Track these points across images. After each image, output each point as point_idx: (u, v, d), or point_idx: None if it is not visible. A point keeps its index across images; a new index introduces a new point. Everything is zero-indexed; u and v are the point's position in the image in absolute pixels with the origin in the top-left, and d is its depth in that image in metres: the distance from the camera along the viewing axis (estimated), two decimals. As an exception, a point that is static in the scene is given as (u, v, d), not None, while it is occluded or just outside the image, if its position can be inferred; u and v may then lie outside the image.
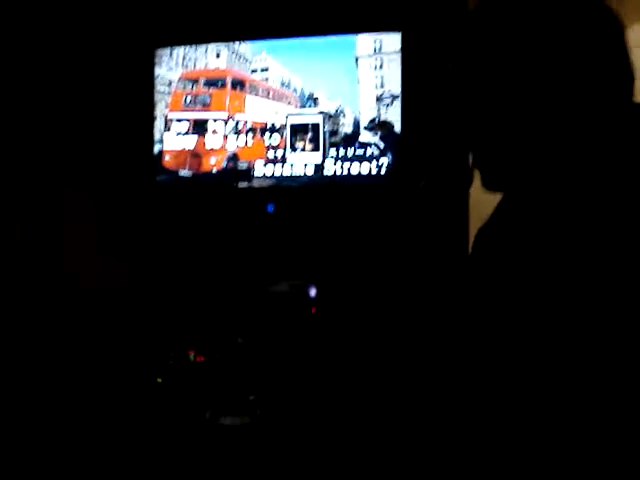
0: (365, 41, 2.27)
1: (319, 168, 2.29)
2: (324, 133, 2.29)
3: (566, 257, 0.75)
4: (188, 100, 2.40)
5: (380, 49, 2.25)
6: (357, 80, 2.27)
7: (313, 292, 2.09)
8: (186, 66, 2.40)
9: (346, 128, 2.28)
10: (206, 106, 2.38)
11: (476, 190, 1.98)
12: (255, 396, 1.89)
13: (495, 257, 0.87)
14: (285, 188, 2.30)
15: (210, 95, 2.39)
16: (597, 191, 0.77)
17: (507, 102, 0.87)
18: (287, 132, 2.31)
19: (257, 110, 2.35)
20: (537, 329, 0.76)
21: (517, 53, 0.85)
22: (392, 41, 2.24)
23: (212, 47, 2.38)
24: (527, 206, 0.87)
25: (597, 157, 0.81)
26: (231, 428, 1.84)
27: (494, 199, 0.96)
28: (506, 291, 0.81)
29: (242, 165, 2.34)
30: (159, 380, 2.08)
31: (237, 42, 2.36)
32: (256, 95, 2.35)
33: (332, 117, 2.29)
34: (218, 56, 2.38)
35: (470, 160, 0.97)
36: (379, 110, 2.25)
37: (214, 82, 2.38)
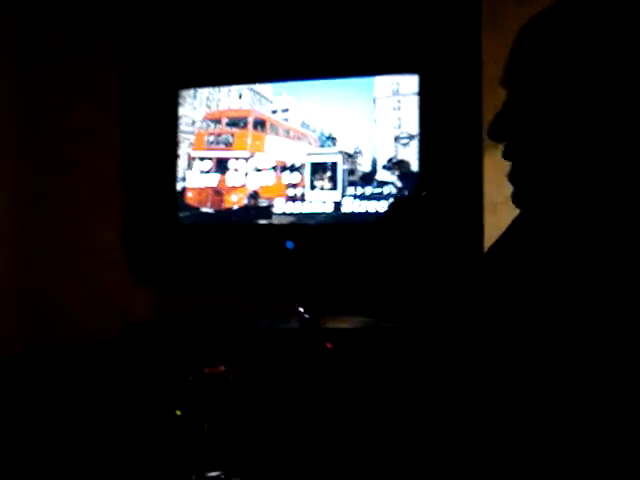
0: (383, 83, 2.32)
1: (337, 206, 2.33)
2: (342, 172, 2.33)
3: (579, 286, 0.76)
4: (211, 139, 2.47)
5: (398, 91, 2.31)
6: (375, 120, 2.32)
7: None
8: (209, 106, 2.48)
9: (364, 167, 2.32)
10: (228, 145, 2.45)
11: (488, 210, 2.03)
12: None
13: (507, 277, 0.88)
14: (304, 226, 2.35)
15: (232, 135, 2.45)
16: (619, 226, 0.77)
17: (557, 127, 0.81)
18: (306, 171, 2.37)
19: (277, 149, 2.41)
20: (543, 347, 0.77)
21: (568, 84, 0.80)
22: (410, 83, 2.29)
23: (235, 88, 2.45)
24: (546, 230, 0.88)
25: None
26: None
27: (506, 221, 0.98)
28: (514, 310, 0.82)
29: (262, 202, 2.40)
30: (178, 413, 2.10)
31: (259, 83, 2.43)
32: (276, 135, 2.41)
33: (350, 156, 2.34)
34: (240, 97, 2.45)
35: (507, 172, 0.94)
36: (396, 149, 2.29)
37: (236, 122, 2.45)
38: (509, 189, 1.51)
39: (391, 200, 2.26)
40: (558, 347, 0.77)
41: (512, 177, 0.93)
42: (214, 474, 1.72)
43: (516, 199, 0.93)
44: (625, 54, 0.77)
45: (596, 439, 0.72)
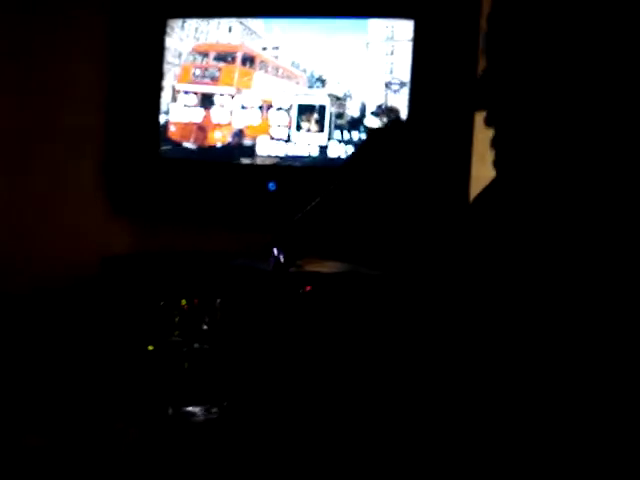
0: (377, 27, 2.27)
1: (323, 149, 2.30)
2: (330, 115, 2.30)
3: (559, 250, 0.76)
4: (197, 73, 2.41)
5: (392, 36, 2.26)
6: (367, 65, 2.28)
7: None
8: (197, 39, 2.41)
9: (352, 112, 2.29)
10: (215, 80, 2.39)
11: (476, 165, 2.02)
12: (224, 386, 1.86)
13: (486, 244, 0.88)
14: (287, 167, 2.32)
15: (219, 69, 2.39)
16: (598, 191, 0.77)
17: (541, 90, 0.82)
18: (293, 112, 2.32)
19: (265, 87, 2.36)
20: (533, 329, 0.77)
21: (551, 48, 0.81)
22: (404, 28, 2.24)
23: (225, 21, 2.38)
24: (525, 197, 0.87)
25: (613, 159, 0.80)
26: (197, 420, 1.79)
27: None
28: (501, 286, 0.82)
29: (246, 141, 2.35)
30: (150, 348, 2.10)
31: (250, 17, 2.36)
32: (265, 72, 2.36)
33: (339, 100, 2.30)
34: (230, 31, 2.38)
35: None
36: (387, 96, 2.26)
37: (224, 57, 2.39)
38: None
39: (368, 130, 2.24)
40: (534, 311, 0.78)
41: (494, 143, 0.93)
42: (191, 408, 1.73)
43: (497, 164, 0.93)
44: (601, 22, 0.77)
45: (594, 433, 0.72)
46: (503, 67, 0.85)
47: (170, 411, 1.74)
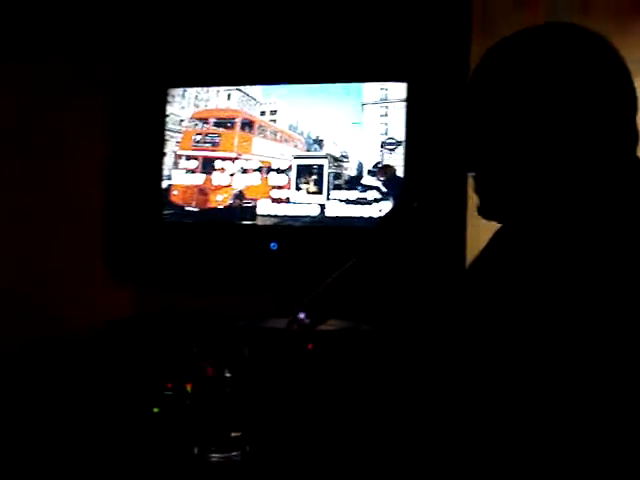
0: (372, 89, 2.35)
1: (322, 209, 2.34)
2: (328, 175, 2.35)
3: (562, 296, 0.79)
4: (198, 139, 2.48)
5: (386, 97, 2.33)
6: (362, 126, 2.34)
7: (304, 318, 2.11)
8: (197, 106, 2.49)
9: (350, 171, 2.34)
10: (215, 145, 2.46)
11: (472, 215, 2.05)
12: (244, 432, 1.88)
13: (493, 288, 0.91)
14: (288, 227, 2.36)
15: (219, 135, 2.46)
16: (594, 234, 0.81)
17: (516, 142, 0.89)
18: (292, 173, 2.38)
19: (264, 151, 2.42)
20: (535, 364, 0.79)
21: (527, 97, 0.87)
22: (398, 90, 2.32)
23: (224, 89, 2.46)
24: (526, 243, 0.91)
25: (595, 203, 0.84)
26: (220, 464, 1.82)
27: (491, 225, 1.00)
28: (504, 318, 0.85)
29: (247, 203, 2.40)
30: (156, 410, 2.10)
31: (248, 85, 2.44)
32: (264, 137, 2.42)
33: (337, 160, 2.35)
34: (229, 98, 2.46)
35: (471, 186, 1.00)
36: (383, 155, 2.32)
37: (224, 122, 2.46)
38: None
39: (384, 209, 2.27)
40: (536, 348, 0.79)
41: (476, 190, 0.98)
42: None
43: (481, 211, 0.97)
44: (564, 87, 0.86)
45: (592, 439, 0.73)
46: (483, 120, 0.93)
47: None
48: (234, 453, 1.73)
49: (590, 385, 0.74)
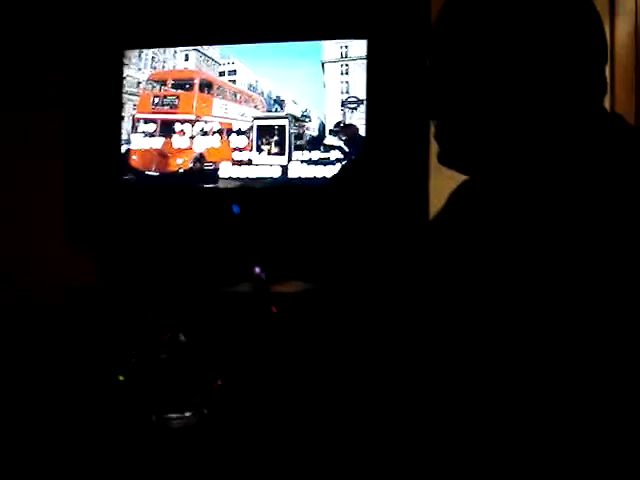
0: (332, 47, 2.31)
1: (285, 170, 2.31)
2: (290, 136, 2.32)
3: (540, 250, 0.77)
4: (156, 101, 2.43)
5: (346, 55, 2.29)
6: (323, 84, 2.31)
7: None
8: (154, 67, 2.43)
9: (311, 131, 2.31)
10: (173, 107, 2.41)
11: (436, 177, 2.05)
12: (202, 395, 1.87)
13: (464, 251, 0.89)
14: (250, 189, 2.33)
15: (178, 97, 2.41)
16: (562, 187, 0.79)
17: (480, 89, 0.86)
18: (253, 134, 2.34)
19: (224, 112, 2.37)
20: (528, 326, 0.76)
21: (491, 41, 0.84)
22: (358, 47, 2.28)
23: (181, 49, 2.41)
24: (491, 197, 0.89)
25: (560, 153, 0.82)
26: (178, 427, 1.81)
27: (454, 179, 0.99)
28: (489, 286, 0.82)
29: (208, 166, 2.36)
30: (121, 378, 2.08)
31: (206, 45, 2.39)
32: (223, 98, 2.38)
33: (298, 120, 2.32)
34: (187, 58, 2.41)
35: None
36: (344, 114, 2.29)
37: (182, 84, 2.41)
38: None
39: (339, 166, 2.25)
40: (501, 310, 0.78)
41: (437, 137, 0.96)
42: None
43: (441, 158, 0.95)
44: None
45: (592, 436, 0.72)
46: (445, 68, 0.90)
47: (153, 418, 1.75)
48: (188, 414, 1.72)
49: (584, 374, 0.72)
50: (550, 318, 0.74)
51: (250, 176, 2.33)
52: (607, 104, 0.92)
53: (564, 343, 0.73)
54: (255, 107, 2.36)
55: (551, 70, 0.82)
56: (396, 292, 1.04)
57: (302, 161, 2.30)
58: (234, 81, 2.38)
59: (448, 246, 0.96)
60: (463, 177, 1.09)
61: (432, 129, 0.97)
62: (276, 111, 2.35)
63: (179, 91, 2.41)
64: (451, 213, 1.04)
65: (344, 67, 2.30)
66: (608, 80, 0.88)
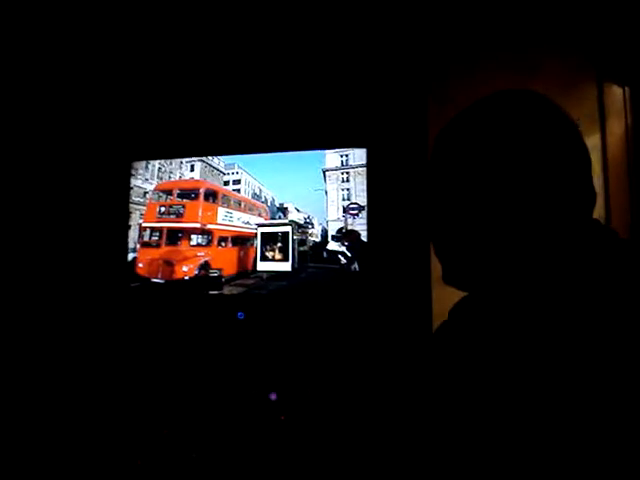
0: (333, 156, 2.38)
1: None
2: (293, 242, 2.36)
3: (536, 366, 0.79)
4: (162, 210, 2.49)
5: (346, 163, 2.36)
6: (325, 192, 2.37)
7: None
8: (161, 178, 2.50)
9: (314, 237, 2.35)
10: (179, 216, 2.46)
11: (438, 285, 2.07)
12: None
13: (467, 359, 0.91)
14: (255, 296, 2.35)
15: (183, 205, 2.47)
16: (561, 301, 0.81)
17: (475, 211, 0.91)
18: (257, 242, 2.39)
19: (229, 220, 2.43)
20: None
21: (484, 165, 0.90)
22: (358, 156, 2.35)
23: (187, 160, 2.49)
24: (493, 314, 0.91)
25: (556, 266, 0.86)
26: None
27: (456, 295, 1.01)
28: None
29: (213, 273, 2.40)
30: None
31: (211, 156, 2.47)
32: (228, 206, 2.44)
33: (301, 227, 2.37)
34: (192, 169, 2.48)
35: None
36: (346, 220, 2.33)
37: (187, 193, 2.48)
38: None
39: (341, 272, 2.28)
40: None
41: (438, 256, 1.00)
42: None
43: (445, 278, 0.99)
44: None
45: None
46: (443, 189, 0.96)
47: None
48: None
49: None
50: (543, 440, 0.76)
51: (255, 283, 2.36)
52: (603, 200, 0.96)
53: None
54: (259, 215, 2.41)
55: (540, 187, 0.87)
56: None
57: (306, 266, 2.34)
58: (238, 190, 2.44)
59: (452, 362, 0.97)
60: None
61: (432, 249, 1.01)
62: (279, 218, 2.40)
63: (185, 200, 2.48)
64: (452, 329, 1.06)
65: (344, 175, 2.36)
66: (601, 181, 0.93)
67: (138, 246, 2.46)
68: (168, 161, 2.50)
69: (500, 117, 0.92)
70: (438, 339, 1.10)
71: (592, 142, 2.12)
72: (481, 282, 0.95)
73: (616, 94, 2.18)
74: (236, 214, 2.45)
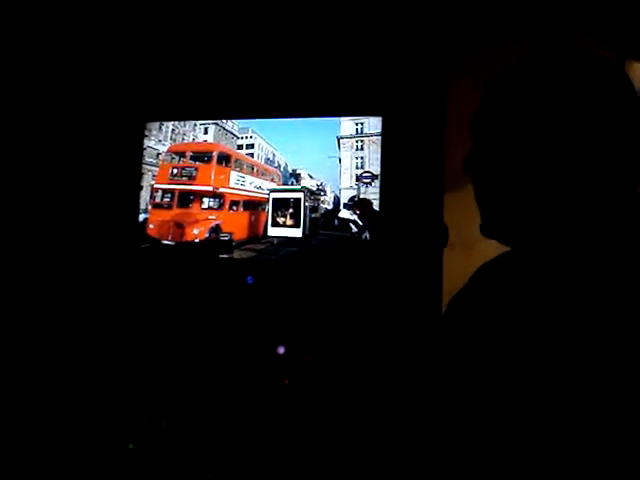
0: (348, 123, 2.36)
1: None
2: (305, 209, 2.35)
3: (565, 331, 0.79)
4: (174, 172, 2.48)
5: (361, 131, 2.35)
6: (338, 159, 2.35)
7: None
8: (174, 139, 2.49)
9: (326, 205, 2.35)
10: (192, 179, 2.46)
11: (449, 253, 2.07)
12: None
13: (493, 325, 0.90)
14: (264, 261, 2.35)
15: (196, 168, 2.46)
16: (599, 271, 0.80)
17: (525, 164, 0.89)
18: (269, 207, 2.38)
19: (241, 185, 2.42)
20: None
21: (539, 118, 0.88)
22: (373, 124, 2.33)
23: (201, 123, 2.47)
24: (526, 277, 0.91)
25: (602, 237, 0.84)
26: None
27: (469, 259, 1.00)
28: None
29: (224, 237, 2.40)
30: (130, 446, 2.08)
31: (225, 120, 2.45)
32: (240, 170, 2.43)
33: (313, 193, 2.36)
34: (206, 131, 2.47)
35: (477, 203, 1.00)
36: (359, 189, 2.32)
37: (201, 156, 2.47)
38: (465, 231, 1.51)
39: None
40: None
41: (480, 206, 0.98)
42: None
43: (483, 229, 0.98)
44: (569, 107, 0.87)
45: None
46: (493, 138, 0.94)
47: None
48: None
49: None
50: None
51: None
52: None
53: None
54: (272, 180, 2.41)
55: (595, 148, 0.86)
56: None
57: (317, 233, 2.33)
58: (252, 154, 2.43)
59: (474, 319, 0.97)
60: (475, 254, 1.10)
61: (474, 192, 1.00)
62: (292, 184, 2.39)
63: (197, 163, 2.47)
64: (476, 291, 1.05)
65: (359, 143, 2.35)
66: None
67: (150, 207, 2.46)
68: (182, 123, 2.49)
69: (567, 71, 0.89)
70: (456, 304, 1.09)
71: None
72: (518, 237, 0.94)
73: (638, 70, 2.15)
74: (249, 178, 2.45)
